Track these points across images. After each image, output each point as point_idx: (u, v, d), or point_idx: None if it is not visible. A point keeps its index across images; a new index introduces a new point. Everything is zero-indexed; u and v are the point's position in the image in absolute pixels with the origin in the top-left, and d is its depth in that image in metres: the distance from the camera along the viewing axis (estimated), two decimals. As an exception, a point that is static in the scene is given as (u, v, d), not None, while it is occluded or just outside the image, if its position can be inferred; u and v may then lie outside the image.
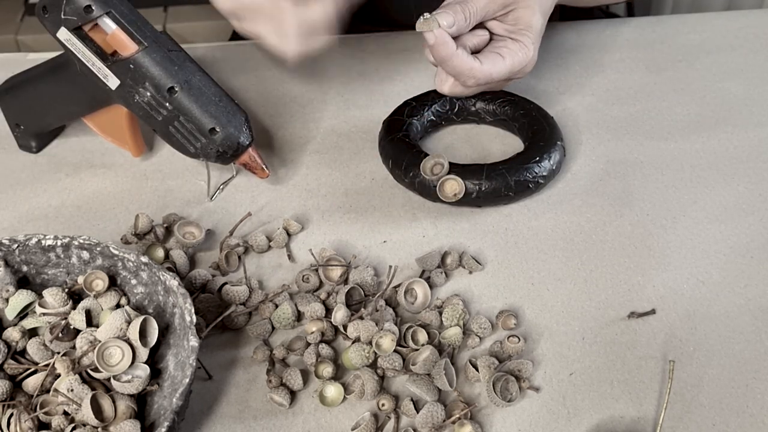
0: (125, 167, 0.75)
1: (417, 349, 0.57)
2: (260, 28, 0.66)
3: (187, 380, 0.51)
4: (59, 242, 0.58)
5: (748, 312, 0.61)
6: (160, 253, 0.65)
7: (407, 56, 0.87)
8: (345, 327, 0.59)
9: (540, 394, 0.57)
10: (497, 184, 0.67)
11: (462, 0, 0.68)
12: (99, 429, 0.51)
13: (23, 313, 0.58)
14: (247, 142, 0.66)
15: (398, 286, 0.62)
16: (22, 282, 0.60)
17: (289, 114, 0.81)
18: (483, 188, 0.67)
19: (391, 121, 0.74)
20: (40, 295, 0.58)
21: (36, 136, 0.76)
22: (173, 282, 0.55)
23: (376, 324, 0.57)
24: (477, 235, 0.68)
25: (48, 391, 0.54)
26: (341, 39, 0.86)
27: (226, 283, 0.62)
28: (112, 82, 0.64)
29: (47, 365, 0.55)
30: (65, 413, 0.53)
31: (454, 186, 0.66)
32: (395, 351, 0.57)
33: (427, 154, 0.68)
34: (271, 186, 0.73)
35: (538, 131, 0.71)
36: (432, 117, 0.75)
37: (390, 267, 0.63)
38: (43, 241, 0.58)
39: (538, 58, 0.71)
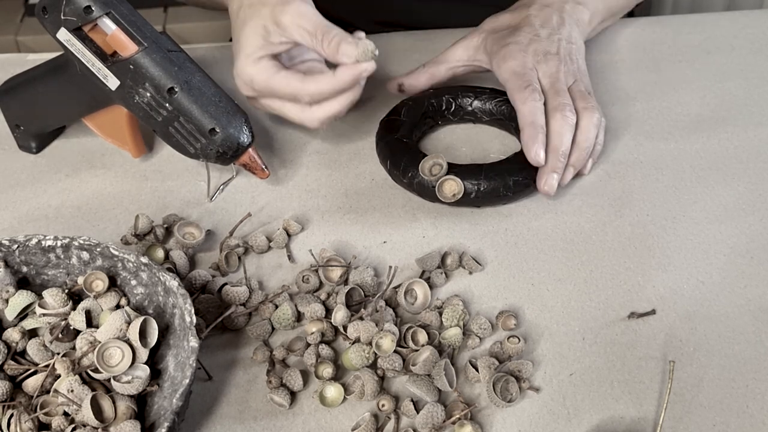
0: (125, 168, 0.75)
1: (417, 350, 0.57)
2: (277, 105, 0.68)
3: (187, 381, 0.51)
4: (59, 243, 0.58)
5: (748, 312, 0.61)
6: (160, 253, 0.65)
7: (407, 56, 0.87)
8: (345, 327, 0.59)
9: (540, 395, 0.57)
10: (496, 184, 0.67)
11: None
12: (99, 430, 0.52)
13: (23, 314, 0.58)
14: (247, 143, 0.66)
15: (398, 286, 0.62)
16: (22, 283, 0.60)
17: (289, 114, 0.81)
18: (482, 188, 0.67)
19: (388, 120, 0.74)
20: (40, 296, 0.58)
21: (36, 137, 0.76)
22: (173, 283, 0.55)
23: (376, 324, 0.57)
24: (477, 236, 0.68)
25: (48, 392, 0.54)
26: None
27: (226, 284, 0.62)
28: (112, 82, 0.64)
29: (47, 366, 0.55)
30: (65, 414, 0.53)
31: (453, 186, 0.66)
32: (395, 351, 0.57)
33: (425, 155, 0.68)
34: (271, 186, 0.73)
35: None
36: (429, 117, 0.75)
37: (390, 267, 0.63)
38: (43, 242, 0.58)
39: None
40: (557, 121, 0.66)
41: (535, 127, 0.66)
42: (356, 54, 0.63)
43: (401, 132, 0.72)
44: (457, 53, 0.76)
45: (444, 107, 0.75)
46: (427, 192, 0.68)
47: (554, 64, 0.69)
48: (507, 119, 0.75)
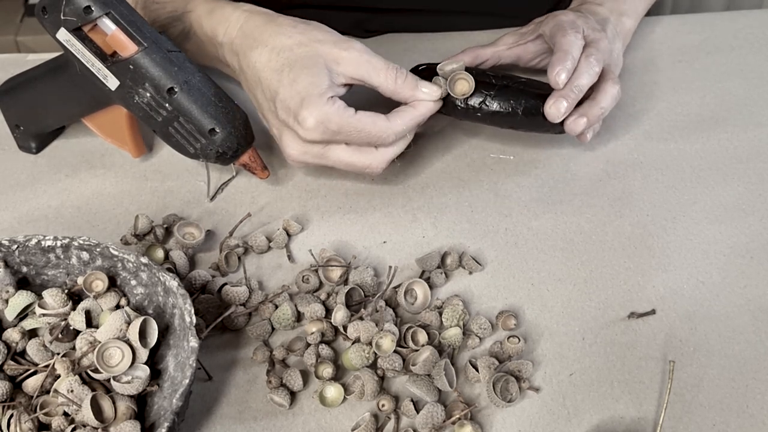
0: (125, 168, 0.75)
1: (417, 350, 0.57)
2: (343, 153, 0.65)
3: (187, 381, 0.51)
4: (59, 243, 0.58)
5: (748, 312, 0.61)
6: (159, 253, 0.65)
7: (407, 56, 0.87)
8: (345, 327, 0.59)
9: (540, 395, 0.57)
10: (506, 98, 0.67)
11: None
12: (99, 430, 0.52)
13: (23, 314, 0.58)
14: (247, 143, 0.66)
15: (398, 286, 0.62)
16: (22, 283, 0.60)
17: (289, 114, 0.81)
18: (492, 97, 0.66)
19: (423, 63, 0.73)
20: (39, 296, 0.58)
21: (36, 137, 0.76)
22: (173, 283, 0.55)
23: (376, 324, 0.57)
24: (477, 235, 0.68)
25: (48, 392, 0.54)
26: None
27: (226, 284, 0.62)
28: (112, 82, 0.64)
29: (47, 366, 0.55)
30: (65, 414, 0.53)
31: (464, 86, 0.66)
32: (395, 351, 0.57)
33: None
34: (271, 186, 0.73)
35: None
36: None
37: (390, 267, 0.63)
38: (42, 242, 0.58)
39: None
40: (582, 62, 0.68)
41: (566, 54, 0.67)
42: (440, 91, 0.65)
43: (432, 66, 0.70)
44: (504, 38, 0.78)
45: (481, 80, 0.74)
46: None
47: (600, 35, 0.71)
48: (530, 87, 0.74)
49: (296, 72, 0.62)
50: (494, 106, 0.67)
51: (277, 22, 0.65)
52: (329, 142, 0.64)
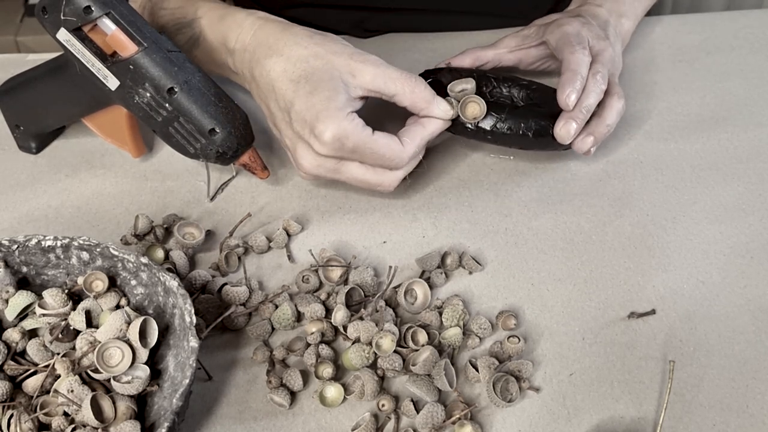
0: (125, 168, 0.75)
1: (417, 350, 0.57)
2: (356, 171, 0.64)
3: (187, 381, 0.51)
4: (59, 243, 0.58)
5: (748, 312, 0.61)
6: (160, 253, 0.65)
7: (407, 57, 0.87)
8: (345, 327, 0.59)
9: (540, 395, 0.57)
10: (517, 121, 0.67)
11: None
12: (99, 430, 0.52)
13: (23, 314, 0.58)
14: (247, 143, 0.66)
15: (398, 286, 0.62)
16: (22, 283, 0.60)
17: (289, 114, 0.81)
18: (503, 120, 0.67)
19: (428, 70, 0.73)
20: (39, 296, 0.58)
21: (36, 137, 0.76)
22: (173, 283, 0.55)
23: (376, 324, 0.57)
24: (477, 235, 0.68)
25: (48, 392, 0.54)
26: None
27: (226, 284, 0.62)
28: (112, 82, 0.64)
29: (47, 366, 0.55)
30: (65, 414, 0.53)
31: (475, 109, 0.66)
32: (395, 351, 0.57)
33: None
34: (270, 186, 0.73)
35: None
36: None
37: (390, 267, 0.63)
38: (42, 242, 0.58)
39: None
40: (590, 81, 0.68)
41: (575, 74, 0.67)
42: (453, 111, 0.65)
43: (438, 76, 0.71)
44: (506, 40, 0.78)
45: (483, 82, 0.73)
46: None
47: (604, 44, 0.72)
48: (538, 105, 0.74)
49: (313, 84, 0.61)
50: (505, 128, 0.67)
51: (293, 31, 0.64)
52: (343, 158, 0.63)
